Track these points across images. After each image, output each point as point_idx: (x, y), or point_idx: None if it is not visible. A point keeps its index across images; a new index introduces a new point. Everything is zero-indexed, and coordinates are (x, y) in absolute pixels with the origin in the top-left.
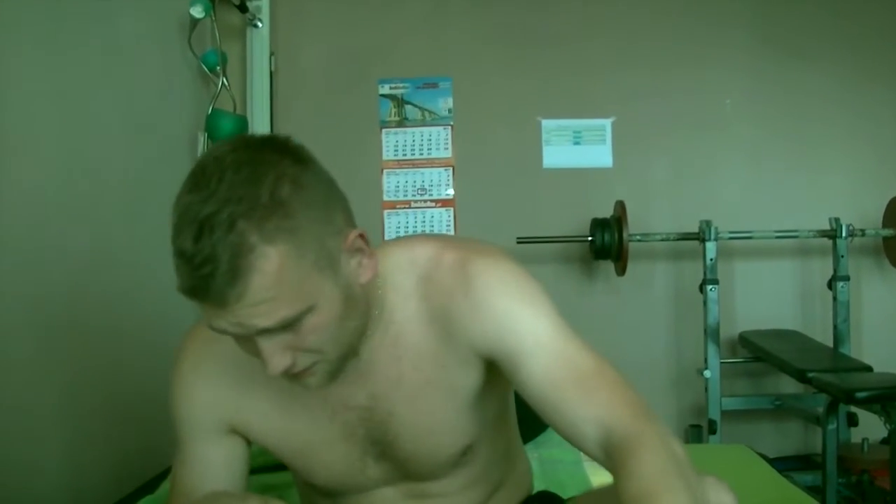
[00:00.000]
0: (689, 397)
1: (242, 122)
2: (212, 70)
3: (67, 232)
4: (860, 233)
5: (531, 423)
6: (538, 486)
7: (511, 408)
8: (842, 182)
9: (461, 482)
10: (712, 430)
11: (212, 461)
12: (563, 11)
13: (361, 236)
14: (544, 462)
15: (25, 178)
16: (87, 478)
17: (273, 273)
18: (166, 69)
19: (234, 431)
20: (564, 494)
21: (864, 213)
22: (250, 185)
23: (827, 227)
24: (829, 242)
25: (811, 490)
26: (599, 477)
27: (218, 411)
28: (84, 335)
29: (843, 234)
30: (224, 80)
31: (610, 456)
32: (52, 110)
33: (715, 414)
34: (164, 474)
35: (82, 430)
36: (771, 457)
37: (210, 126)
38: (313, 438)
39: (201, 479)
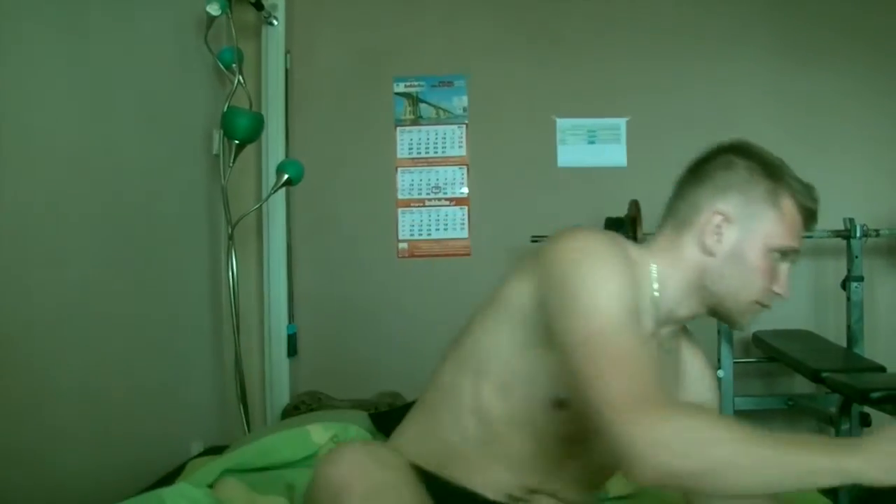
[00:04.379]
0: None
1: (258, 119)
2: (228, 67)
3: (85, 226)
4: (874, 233)
5: None
6: None
7: None
8: (856, 182)
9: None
10: None
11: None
12: (579, 10)
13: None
14: None
15: (43, 173)
16: (104, 471)
17: None
18: (183, 66)
19: None
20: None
21: (879, 213)
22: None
23: (841, 227)
24: (843, 242)
25: (823, 490)
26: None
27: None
28: (100, 329)
29: (858, 235)
30: (240, 77)
31: None
32: (70, 106)
33: (728, 414)
34: (179, 470)
35: (100, 423)
36: None
37: (226, 123)
38: None
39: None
